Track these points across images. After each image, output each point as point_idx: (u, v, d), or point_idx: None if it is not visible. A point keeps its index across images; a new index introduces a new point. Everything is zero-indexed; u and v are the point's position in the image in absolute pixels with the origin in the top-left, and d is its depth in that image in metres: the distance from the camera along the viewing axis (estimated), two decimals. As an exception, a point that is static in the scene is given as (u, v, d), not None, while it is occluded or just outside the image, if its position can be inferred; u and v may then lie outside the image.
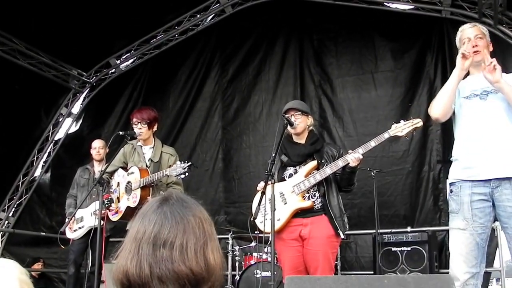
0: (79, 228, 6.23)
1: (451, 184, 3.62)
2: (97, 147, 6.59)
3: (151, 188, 5.00)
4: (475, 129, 3.52)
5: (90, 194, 6.27)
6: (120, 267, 1.35)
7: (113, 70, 9.56)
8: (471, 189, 3.45)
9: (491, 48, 3.71)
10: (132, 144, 5.32)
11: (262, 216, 4.17)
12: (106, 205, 5.12)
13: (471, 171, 3.46)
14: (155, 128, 5.36)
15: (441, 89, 3.68)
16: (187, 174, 4.74)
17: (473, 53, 3.59)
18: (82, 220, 6.23)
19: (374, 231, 6.46)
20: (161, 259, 1.32)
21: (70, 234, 6.24)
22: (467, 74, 3.81)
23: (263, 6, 8.59)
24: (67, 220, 6.35)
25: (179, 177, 4.83)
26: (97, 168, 6.55)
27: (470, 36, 3.65)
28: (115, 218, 5.27)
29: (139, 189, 4.98)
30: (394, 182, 7.30)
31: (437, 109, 3.65)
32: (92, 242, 6.09)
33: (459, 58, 3.54)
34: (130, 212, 5.13)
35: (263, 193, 4.05)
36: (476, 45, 3.61)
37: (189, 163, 4.69)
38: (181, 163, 4.72)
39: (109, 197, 5.19)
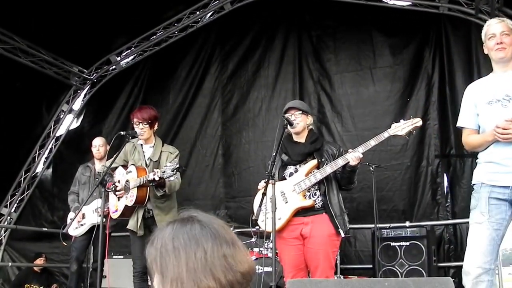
0: (81, 225, 6.31)
1: (473, 184, 3.62)
2: (97, 145, 6.63)
3: (148, 188, 5.06)
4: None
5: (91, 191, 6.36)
6: None
7: (114, 67, 9.60)
8: (491, 188, 3.46)
9: None
10: (132, 142, 5.35)
11: (264, 215, 4.20)
12: (113, 188, 5.18)
13: (491, 176, 3.48)
14: (155, 127, 5.39)
15: (476, 141, 3.62)
16: (176, 176, 4.80)
17: (497, 50, 3.53)
18: (84, 217, 6.30)
19: (373, 226, 6.50)
20: (232, 264, 1.40)
21: (72, 231, 6.31)
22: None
23: (262, 2, 8.60)
24: (70, 214, 6.42)
25: (168, 179, 4.85)
26: (98, 165, 6.59)
27: (496, 32, 3.55)
28: (115, 215, 5.34)
29: (136, 188, 5.04)
30: (392, 177, 7.34)
31: (471, 151, 3.77)
32: (95, 239, 6.19)
33: (493, 133, 3.42)
34: (128, 211, 5.21)
35: (264, 193, 4.09)
36: (501, 42, 3.53)
37: (177, 166, 4.74)
38: (171, 165, 4.74)
39: (112, 184, 5.24)
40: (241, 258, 1.42)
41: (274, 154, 4.24)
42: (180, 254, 1.40)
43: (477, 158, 3.69)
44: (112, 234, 6.34)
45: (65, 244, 6.54)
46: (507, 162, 3.43)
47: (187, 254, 1.40)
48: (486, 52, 3.70)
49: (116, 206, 5.31)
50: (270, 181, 4.09)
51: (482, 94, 3.61)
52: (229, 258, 1.41)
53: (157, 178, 4.80)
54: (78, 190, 6.59)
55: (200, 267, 1.38)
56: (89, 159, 6.85)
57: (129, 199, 5.12)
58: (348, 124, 7.76)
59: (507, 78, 3.54)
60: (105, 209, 5.26)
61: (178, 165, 4.75)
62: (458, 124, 3.78)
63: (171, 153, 5.35)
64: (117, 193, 5.20)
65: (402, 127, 4.19)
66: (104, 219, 5.01)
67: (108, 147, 6.56)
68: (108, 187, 5.17)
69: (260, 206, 4.07)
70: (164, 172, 4.74)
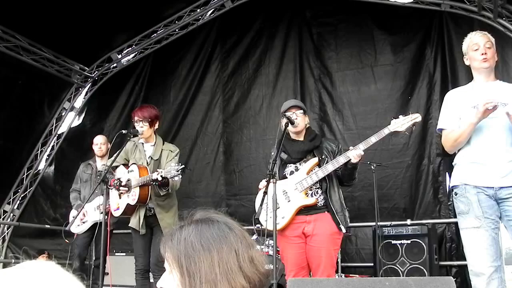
0: (83, 222, 6.33)
1: (454, 187, 3.68)
2: (99, 143, 6.67)
3: (149, 187, 5.09)
4: (479, 139, 3.57)
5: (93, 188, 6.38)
6: None
7: (115, 65, 9.60)
8: (476, 189, 3.52)
9: (496, 58, 3.74)
10: (133, 141, 5.39)
11: (266, 214, 4.20)
12: (117, 183, 5.20)
13: (476, 177, 3.54)
14: (156, 126, 5.42)
15: (457, 132, 3.64)
16: (180, 176, 4.81)
17: (481, 61, 3.63)
18: (86, 215, 6.32)
19: (374, 223, 6.50)
20: (258, 266, 1.44)
21: (74, 229, 6.33)
22: (471, 77, 3.85)
23: (263, 0, 8.59)
24: (72, 212, 6.45)
25: (173, 179, 4.86)
26: (99, 163, 6.63)
27: (480, 44, 3.67)
28: (116, 213, 5.38)
29: (138, 187, 5.07)
30: (394, 175, 7.31)
31: (450, 150, 3.75)
32: (97, 236, 6.22)
33: (479, 112, 3.46)
34: (130, 209, 5.25)
35: (265, 192, 4.09)
36: (485, 53, 3.64)
37: (182, 166, 4.76)
38: (175, 165, 4.78)
39: (115, 180, 5.26)
40: (261, 260, 1.46)
41: (275, 153, 4.24)
42: (212, 255, 1.40)
43: (454, 161, 3.76)
44: (115, 231, 6.38)
45: (67, 241, 6.57)
46: (490, 162, 3.51)
47: (220, 255, 1.40)
48: (467, 63, 3.80)
49: (117, 204, 5.34)
50: (272, 180, 4.09)
51: (466, 99, 3.69)
52: (255, 260, 1.44)
53: (160, 178, 4.82)
54: (80, 188, 6.63)
55: (234, 268, 1.40)
56: (91, 157, 6.88)
57: (131, 198, 5.15)
58: (349, 122, 7.74)
59: (489, 87, 3.62)
60: (107, 206, 5.29)
61: (183, 166, 4.78)
62: (439, 127, 3.85)
63: (171, 151, 5.39)
64: (121, 188, 5.22)
65: (401, 123, 4.21)
66: (106, 216, 5.04)
67: (109, 145, 6.59)
68: (111, 184, 5.19)
69: (261, 204, 4.08)
70: (168, 171, 4.77)
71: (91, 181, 6.56)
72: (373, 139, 4.25)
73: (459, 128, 3.66)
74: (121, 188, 5.22)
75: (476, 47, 3.68)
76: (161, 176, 4.81)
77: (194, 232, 1.44)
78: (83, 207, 5.81)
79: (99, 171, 6.44)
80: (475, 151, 3.58)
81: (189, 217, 1.52)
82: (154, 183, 4.99)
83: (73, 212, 6.49)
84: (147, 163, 5.28)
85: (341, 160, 4.27)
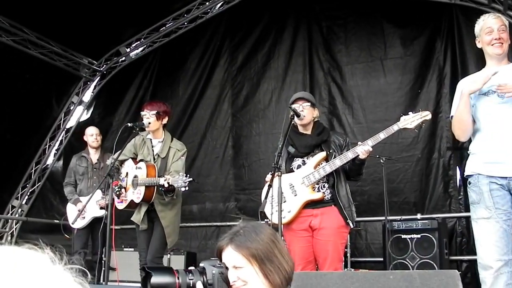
0: (82, 217, 6.29)
1: (468, 176, 3.60)
2: (95, 133, 6.67)
3: (155, 187, 5.10)
4: (494, 126, 3.49)
5: (91, 183, 6.37)
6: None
7: (123, 59, 9.57)
8: (489, 179, 3.45)
9: (509, 41, 3.61)
10: (142, 136, 5.39)
11: (272, 208, 4.18)
12: (117, 192, 5.20)
13: (489, 167, 3.46)
14: (164, 121, 5.39)
15: (456, 114, 3.61)
16: (187, 188, 4.86)
17: (495, 46, 3.51)
18: (85, 209, 6.28)
19: (384, 218, 6.45)
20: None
21: (73, 224, 6.29)
22: (484, 64, 3.75)
23: (272, -7, 8.55)
24: (69, 206, 6.43)
25: (180, 189, 4.98)
26: (94, 155, 6.61)
27: (494, 27, 3.52)
28: (120, 206, 5.36)
29: (144, 186, 5.08)
30: (403, 169, 7.25)
31: (460, 134, 3.65)
32: (95, 231, 6.22)
33: (467, 90, 3.47)
34: (133, 205, 5.26)
35: (270, 185, 4.06)
36: (499, 38, 3.50)
37: (190, 179, 4.83)
38: (183, 176, 4.83)
39: (119, 183, 5.26)
40: None
41: (280, 145, 4.21)
42: (281, 250, 2.12)
43: (468, 150, 3.68)
44: (124, 226, 6.35)
45: (67, 236, 6.55)
46: (504, 151, 3.42)
47: (284, 250, 2.15)
48: (479, 46, 3.68)
49: (121, 198, 5.33)
50: (277, 173, 4.06)
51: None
52: None
53: (166, 185, 4.89)
54: (75, 181, 6.59)
55: (288, 259, 2.15)
56: (83, 150, 6.85)
57: (136, 195, 5.16)
58: (359, 116, 7.67)
59: (501, 72, 3.51)
60: (105, 201, 5.29)
61: (191, 178, 4.84)
62: (451, 114, 3.76)
63: (178, 150, 5.38)
64: (121, 196, 5.24)
65: (411, 120, 4.18)
66: (106, 211, 5.05)
67: (101, 136, 6.74)
68: (112, 185, 5.17)
69: (266, 198, 4.05)
70: (175, 181, 4.84)
71: (87, 174, 6.53)
72: (381, 136, 4.24)
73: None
74: (121, 196, 5.25)
75: (490, 30, 3.54)
76: (168, 183, 4.86)
77: (266, 236, 2.11)
78: (86, 204, 5.75)
79: (95, 162, 6.47)
80: (487, 140, 3.51)
81: (241, 224, 2.23)
82: (160, 189, 5.03)
83: (70, 206, 6.47)
84: (154, 159, 5.26)
85: (349, 155, 4.25)
